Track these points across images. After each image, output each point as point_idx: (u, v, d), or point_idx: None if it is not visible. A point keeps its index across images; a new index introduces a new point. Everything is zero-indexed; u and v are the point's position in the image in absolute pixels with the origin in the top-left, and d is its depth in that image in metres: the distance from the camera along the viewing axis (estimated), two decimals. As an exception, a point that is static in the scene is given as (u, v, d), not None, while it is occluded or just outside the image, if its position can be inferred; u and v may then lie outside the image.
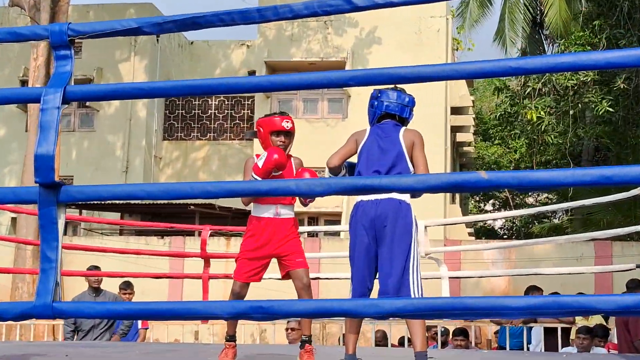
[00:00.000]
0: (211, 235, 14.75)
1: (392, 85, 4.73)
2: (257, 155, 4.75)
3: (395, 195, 4.36)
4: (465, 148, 25.61)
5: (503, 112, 17.31)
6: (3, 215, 19.74)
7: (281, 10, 2.31)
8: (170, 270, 14.60)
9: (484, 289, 14.41)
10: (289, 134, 4.96)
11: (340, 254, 9.65)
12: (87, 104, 20.32)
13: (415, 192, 4.33)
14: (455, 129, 22.57)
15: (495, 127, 27.06)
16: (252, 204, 4.83)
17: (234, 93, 2.23)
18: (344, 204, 18.54)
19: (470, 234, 23.87)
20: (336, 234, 17.07)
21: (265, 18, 2.30)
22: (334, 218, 18.92)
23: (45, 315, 2.18)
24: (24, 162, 14.91)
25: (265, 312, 2.18)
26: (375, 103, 4.67)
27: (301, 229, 10.19)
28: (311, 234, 16.57)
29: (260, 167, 4.63)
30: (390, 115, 4.67)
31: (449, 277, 6.86)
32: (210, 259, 7.27)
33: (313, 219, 19.32)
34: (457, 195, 23.79)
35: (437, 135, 18.72)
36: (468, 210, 30.01)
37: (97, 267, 8.75)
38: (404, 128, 4.62)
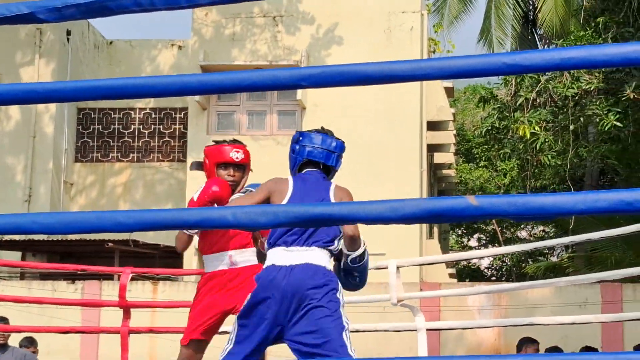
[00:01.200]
0: (134, 279, 14.60)
1: (319, 127, 4.87)
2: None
3: (311, 260, 4.32)
4: (444, 171, 25.70)
5: (490, 128, 17.33)
6: None
7: (215, -8, 2.21)
8: (83, 322, 14.34)
9: (469, 343, 14.37)
10: (240, 166, 4.97)
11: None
12: (-20, 117, 20.02)
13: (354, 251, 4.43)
14: (432, 148, 22.64)
15: (480, 145, 27.21)
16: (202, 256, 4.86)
17: (152, 96, 2.12)
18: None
19: (451, 275, 23.89)
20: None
21: (194, 3, 2.20)
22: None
23: None
24: None
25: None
26: (297, 148, 4.70)
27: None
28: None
29: (195, 200, 4.62)
30: (313, 163, 4.68)
31: (427, 329, 6.77)
32: (132, 309, 7.11)
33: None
34: (435, 229, 23.86)
35: (410, 156, 18.76)
36: (449, 246, 30.11)
37: (4, 319, 8.58)
38: (334, 185, 4.62)
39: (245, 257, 4.91)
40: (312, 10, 19.46)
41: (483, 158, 27.96)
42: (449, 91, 23.72)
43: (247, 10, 19.79)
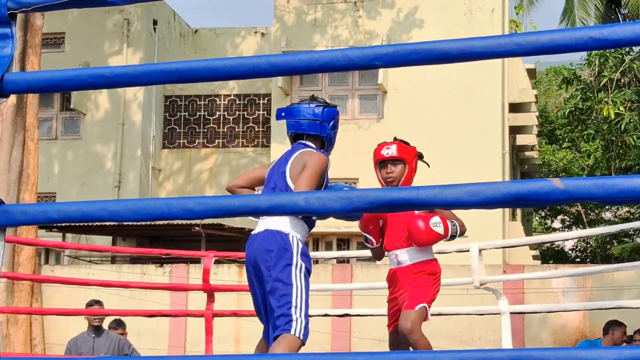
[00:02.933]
0: (221, 262, 14.66)
1: (309, 96, 4.85)
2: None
3: (271, 225, 4.50)
4: (527, 153, 25.28)
5: (573, 109, 17.03)
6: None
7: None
8: (171, 304, 14.46)
9: (553, 325, 14.09)
10: (396, 161, 5.02)
11: (376, 285, 9.44)
12: (72, 106, 20.31)
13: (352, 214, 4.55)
14: (514, 130, 22.28)
15: (563, 127, 26.72)
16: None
17: (218, 79, 2.02)
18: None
19: (535, 258, 23.51)
20: (371, 260, 16.84)
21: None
22: (368, 240, 18.69)
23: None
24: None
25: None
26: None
27: (329, 254, 10.01)
28: (340, 260, 16.35)
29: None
30: (299, 136, 4.70)
31: (510, 312, 6.60)
32: (216, 292, 7.08)
33: (343, 242, 19.11)
34: (519, 211, 23.48)
35: (493, 138, 18.47)
36: (532, 228, 29.66)
37: (98, 302, 8.65)
38: (299, 151, 4.61)
39: (409, 255, 5.11)
40: (393, -6, 19.27)
41: (566, 139, 27.45)
42: (531, 73, 23.27)
43: (328, -4, 19.68)
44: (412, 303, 4.94)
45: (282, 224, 4.44)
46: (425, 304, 5.00)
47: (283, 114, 4.73)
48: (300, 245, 4.44)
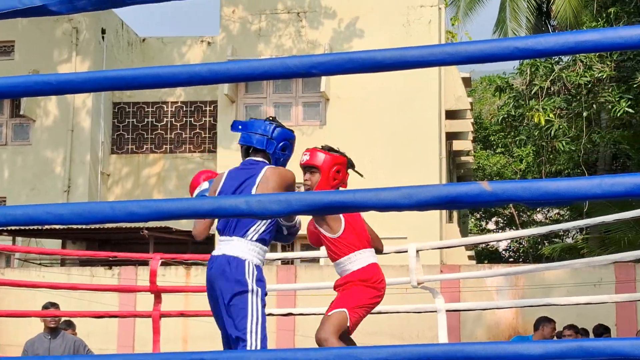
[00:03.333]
0: (168, 264, 14.55)
1: (269, 117, 4.87)
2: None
3: (229, 251, 4.53)
4: (463, 158, 25.51)
5: (506, 116, 17.16)
6: None
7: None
8: (120, 305, 14.33)
9: (487, 322, 14.22)
10: (312, 169, 4.99)
11: (320, 285, 9.45)
12: (22, 112, 20.04)
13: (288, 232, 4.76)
14: (451, 136, 22.47)
15: (497, 132, 27.02)
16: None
17: (161, 86, 2.01)
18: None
19: (470, 258, 23.73)
20: (315, 260, 16.85)
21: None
22: (311, 242, 18.70)
23: None
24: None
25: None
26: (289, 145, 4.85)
27: (274, 255, 9.98)
28: (285, 262, 16.34)
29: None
30: (255, 151, 4.75)
31: (447, 310, 6.66)
32: (163, 293, 7.04)
33: (288, 244, 19.09)
34: (455, 213, 23.67)
35: (430, 144, 18.60)
36: (467, 229, 29.91)
37: (54, 305, 8.58)
38: (267, 168, 4.65)
39: (341, 268, 5.19)
40: (334, 5, 19.32)
41: (500, 145, 27.74)
42: (467, 81, 23.50)
43: (271, 7, 19.68)
44: (329, 309, 4.98)
45: (239, 249, 4.47)
46: (345, 309, 4.93)
47: (240, 126, 4.75)
48: (256, 272, 4.46)
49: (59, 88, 2.09)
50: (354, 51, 2.00)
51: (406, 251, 6.62)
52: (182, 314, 7.38)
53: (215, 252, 4.57)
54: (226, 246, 4.48)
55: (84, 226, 18.15)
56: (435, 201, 1.90)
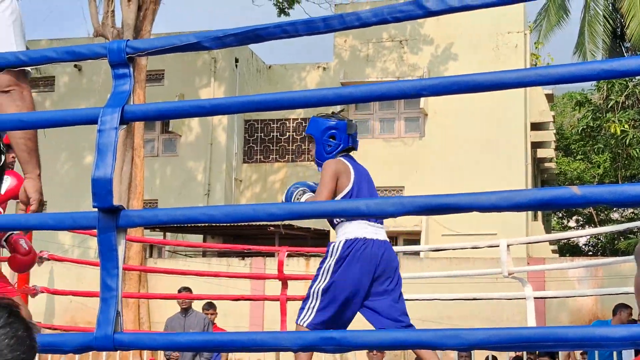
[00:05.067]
0: (291, 255, 14.68)
1: (334, 113, 4.53)
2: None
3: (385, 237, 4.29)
4: (546, 164, 24.95)
5: (585, 127, 16.77)
6: (92, 240, 20.07)
7: (348, 18, 2.13)
8: (252, 291, 14.52)
9: (570, 308, 13.87)
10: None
11: (420, 275, 9.40)
12: (170, 129, 20.57)
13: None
14: (535, 145, 22.01)
15: (577, 142, 26.31)
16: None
17: (289, 107, 2.06)
18: (424, 223, 18.21)
19: (554, 252, 23.17)
20: (416, 253, 16.74)
21: (330, 27, 2.13)
22: (413, 237, 18.61)
23: (106, 347, 2.04)
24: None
25: (337, 344, 1.99)
26: (338, 134, 4.34)
27: (406, 248, 9.93)
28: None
29: (3, 194, 3.97)
30: (347, 148, 4.42)
31: (534, 297, 6.53)
32: (289, 280, 7.12)
33: (392, 239, 19.03)
34: (539, 213, 23.15)
35: (517, 152, 18.28)
36: (550, 226, 29.20)
37: (188, 289, 8.82)
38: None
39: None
40: (431, 33, 19.20)
41: (579, 152, 27.01)
42: (549, 97, 22.98)
43: (377, 36, 19.67)
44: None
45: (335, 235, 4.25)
46: None
47: (338, 127, 4.41)
48: None
49: (210, 110, 2.16)
50: (458, 75, 2.00)
51: (498, 245, 6.51)
52: (304, 298, 7.43)
53: (377, 237, 4.15)
54: (383, 232, 4.21)
55: (221, 224, 18.54)
56: (531, 203, 1.89)
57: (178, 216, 2.06)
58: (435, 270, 12.57)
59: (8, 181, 4.06)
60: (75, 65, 20.95)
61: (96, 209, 2.08)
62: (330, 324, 4.10)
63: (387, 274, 4.14)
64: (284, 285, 6.98)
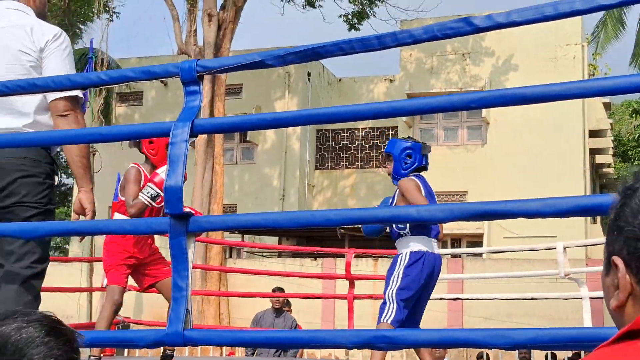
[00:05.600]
0: (360, 257, 14.65)
1: (412, 137, 4.97)
2: (138, 164, 4.54)
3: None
4: (604, 169, 24.34)
5: (642, 133, 16.32)
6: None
7: (400, 36, 2.12)
8: (323, 290, 14.53)
9: (627, 307, 13.46)
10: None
11: (482, 275, 9.28)
12: (248, 139, 20.78)
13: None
14: (594, 152, 21.48)
15: (634, 147, 25.64)
16: (120, 215, 4.58)
17: (343, 120, 2.06)
18: (486, 226, 17.96)
19: (612, 253, 22.53)
20: (478, 255, 16.52)
21: (384, 45, 2.12)
22: (476, 239, 18.36)
23: (176, 342, 2.07)
24: (192, 194, 15.35)
25: (390, 342, 1.97)
26: (414, 155, 4.71)
27: (443, 251, 9.86)
28: (454, 255, 16.13)
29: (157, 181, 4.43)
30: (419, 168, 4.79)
31: (590, 297, 6.37)
32: (356, 280, 7.11)
33: (456, 241, 18.84)
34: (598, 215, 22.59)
35: (576, 158, 17.89)
36: (610, 229, 28.41)
37: (281, 289, 8.78)
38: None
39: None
40: (493, 45, 18.95)
41: (637, 158, 26.28)
42: (607, 105, 22.41)
43: (441, 49, 19.52)
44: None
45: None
46: None
47: (413, 148, 4.80)
48: None
49: (271, 123, 2.18)
50: (505, 88, 1.97)
51: (555, 248, 6.38)
52: (370, 297, 7.41)
53: (434, 251, 4.61)
54: (437, 247, 4.68)
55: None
56: (573, 209, 1.85)
57: (243, 222, 2.08)
58: (497, 271, 12.38)
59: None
60: (162, 81, 21.39)
61: (168, 216, 2.12)
62: (407, 322, 4.47)
63: (434, 283, 4.61)
64: (351, 285, 6.97)
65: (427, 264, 4.48)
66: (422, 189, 4.59)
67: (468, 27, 2.02)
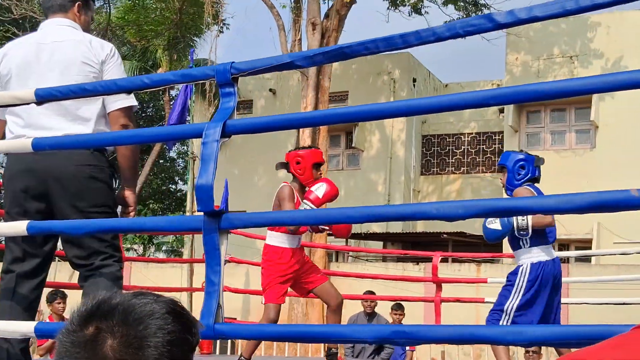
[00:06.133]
0: (463, 262, 14.42)
1: (533, 155, 5.02)
2: (287, 183, 4.68)
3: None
4: None
5: None
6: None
7: (424, 34, 2.11)
8: (425, 293, 14.41)
9: None
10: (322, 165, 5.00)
11: (589, 279, 8.97)
12: (353, 145, 20.87)
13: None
14: None
15: None
16: (274, 234, 4.78)
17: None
18: (595, 231, 17.30)
19: None
20: (586, 259, 15.94)
21: (408, 43, 2.11)
22: (584, 245, 17.71)
23: (207, 336, 2.13)
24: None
25: (408, 337, 1.96)
26: (529, 167, 4.83)
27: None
28: (562, 260, 15.60)
29: (321, 197, 4.61)
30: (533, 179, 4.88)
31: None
32: (443, 283, 7.03)
33: (564, 246, 18.23)
34: None
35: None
36: None
37: (371, 292, 8.83)
38: None
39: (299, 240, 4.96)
40: (601, 47, 18.28)
41: None
42: None
43: (548, 52, 18.99)
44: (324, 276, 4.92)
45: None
46: None
47: (527, 160, 4.95)
48: None
49: (301, 122, 2.21)
50: (519, 85, 1.92)
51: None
52: (457, 300, 7.31)
53: (553, 256, 4.71)
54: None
55: (400, 230, 18.59)
56: (589, 205, 1.78)
57: (268, 219, 2.12)
58: (602, 276, 11.92)
59: (323, 187, 4.78)
60: (270, 89, 21.81)
61: (201, 213, 2.18)
62: None
63: (559, 284, 4.70)
64: (438, 288, 6.91)
65: (549, 274, 4.59)
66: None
67: (490, 24, 1.99)
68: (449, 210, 1.97)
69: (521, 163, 4.79)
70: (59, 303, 7.70)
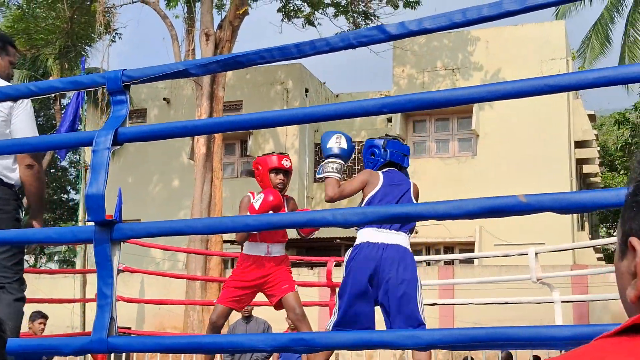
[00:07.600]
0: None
1: (390, 134, 4.66)
2: (252, 194, 4.62)
3: (401, 242, 4.11)
4: (592, 179, 24.21)
5: (624, 143, 16.21)
6: (180, 255, 20.31)
7: (318, 44, 2.07)
8: (320, 298, 14.42)
9: (612, 311, 13.34)
10: (287, 172, 4.84)
11: (473, 280, 9.20)
12: (248, 153, 20.72)
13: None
14: (580, 162, 21.38)
15: (620, 157, 25.52)
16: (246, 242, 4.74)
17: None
18: (477, 234, 17.86)
19: (599, 259, 22.40)
20: (470, 261, 16.41)
21: (303, 53, 2.07)
22: (467, 247, 18.26)
23: (100, 350, 2.00)
24: (192, 207, 15.31)
25: (306, 344, 1.91)
26: (380, 152, 4.40)
27: (428, 257, 9.78)
28: (447, 262, 16.03)
29: (257, 208, 4.45)
30: (392, 164, 4.42)
31: (561, 301, 6.28)
32: (337, 288, 7.03)
33: (448, 249, 18.74)
34: (587, 223, 22.49)
35: (563, 168, 17.81)
36: (599, 237, 28.27)
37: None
38: (411, 182, 4.37)
39: (278, 249, 4.82)
40: (481, 61, 18.93)
41: (622, 167, 26.18)
42: (592, 117, 22.32)
43: (432, 65, 19.51)
44: (292, 286, 4.72)
45: (408, 243, 4.35)
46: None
47: (385, 144, 4.49)
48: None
49: (193, 130, 2.12)
50: (411, 93, 1.91)
51: (527, 253, 6.31)
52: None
53: (381, 240, 4.12)
54: (395, 237, 4.10)
55: (294, 236, 18.56)
56: (480, 211, 1.78)
57: (166, 229, 2.02)
58: (484, 277, 12.28)
59: (261, 199, 4.53)
60: (164, 98, 21.39)
61: (92, 223, 2.06)
62: (344, 324, 4.13)
63: (389, 273, 4.04)
64: (332, 292, 6.91)
65: (362, 257, 4.11)
66: (378, 183, 4.29)
67: (382, 35, 1.97)
68: (343, 217, 1.93)
69: (371, 150, 4.44)
70: (40, 323, 7.53)
